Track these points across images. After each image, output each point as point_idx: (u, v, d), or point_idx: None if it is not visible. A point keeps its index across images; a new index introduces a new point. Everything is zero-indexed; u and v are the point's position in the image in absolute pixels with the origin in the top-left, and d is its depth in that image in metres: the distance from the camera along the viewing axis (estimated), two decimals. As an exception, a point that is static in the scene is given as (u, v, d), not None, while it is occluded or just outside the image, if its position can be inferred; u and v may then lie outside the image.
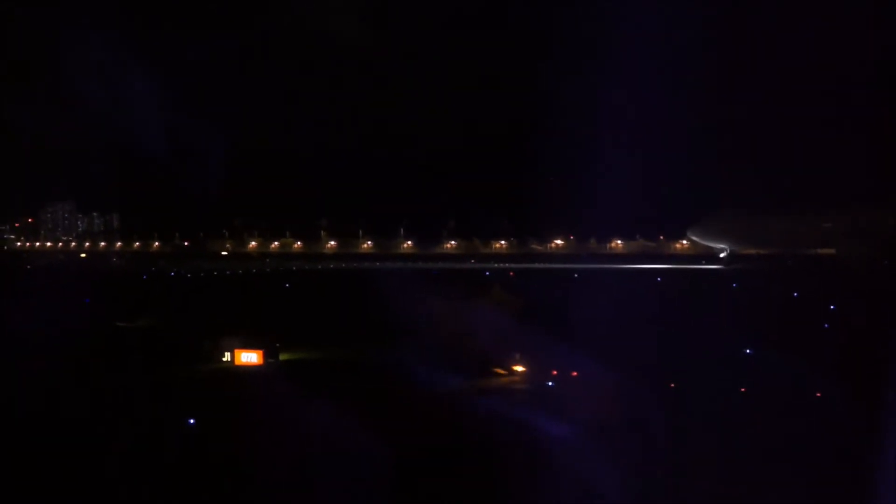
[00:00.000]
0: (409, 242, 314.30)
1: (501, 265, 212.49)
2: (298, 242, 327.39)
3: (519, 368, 53.11)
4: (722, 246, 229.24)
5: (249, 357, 58.76)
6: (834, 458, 33.48)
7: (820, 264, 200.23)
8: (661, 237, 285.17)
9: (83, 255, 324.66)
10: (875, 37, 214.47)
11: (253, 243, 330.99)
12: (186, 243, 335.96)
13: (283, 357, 60.68)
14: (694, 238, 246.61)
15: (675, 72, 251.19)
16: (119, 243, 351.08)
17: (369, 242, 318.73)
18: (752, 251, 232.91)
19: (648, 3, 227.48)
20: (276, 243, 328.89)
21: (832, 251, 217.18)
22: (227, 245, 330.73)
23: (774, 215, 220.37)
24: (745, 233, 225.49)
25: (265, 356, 59.02)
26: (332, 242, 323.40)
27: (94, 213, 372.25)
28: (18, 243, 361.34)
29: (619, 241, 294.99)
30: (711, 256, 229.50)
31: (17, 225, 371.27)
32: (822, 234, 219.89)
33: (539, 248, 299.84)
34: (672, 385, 46.52)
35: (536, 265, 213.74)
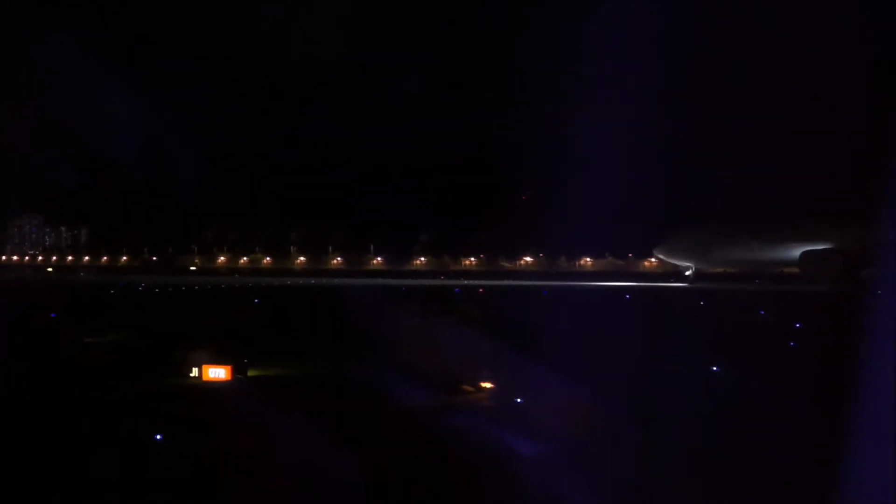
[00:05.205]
0: (379, 259, 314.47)
1: (471, 282, 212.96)
2: (268, 258, 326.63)
3: (486, 385, 53.35)
4: (687, 264, 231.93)
5: (217, 372, 58.43)
6: (803, 471, 34.01)
7: (785, 283, 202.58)
8: (630, 255, 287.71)
9: (50, 270, 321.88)
10: (845, 53, 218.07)
11: (222, 258, 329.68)
12: (155, 258, 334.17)
13: (251, 373, 60.52)
14: (660, 256, 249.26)
15: (645, 90, 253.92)
16: (87, 257, 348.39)
17: (339, 258, 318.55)
18: (718, 270, 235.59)
19: (611, 24, 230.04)
20: (245, 259, 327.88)
21: (796, 270, 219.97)
22: (196, 260, 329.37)
23: (740, 236, 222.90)
24: (708, 252, 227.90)
25: (233, 372, 58.80)
26: (302, 258, 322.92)
27: (62, 228, 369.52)
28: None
29: (588, 259, 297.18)
30: (679, 274, 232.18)
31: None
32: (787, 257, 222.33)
33: (508, 265, 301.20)
34: (640, 400, 46.99)
35: (506, 282, 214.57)
